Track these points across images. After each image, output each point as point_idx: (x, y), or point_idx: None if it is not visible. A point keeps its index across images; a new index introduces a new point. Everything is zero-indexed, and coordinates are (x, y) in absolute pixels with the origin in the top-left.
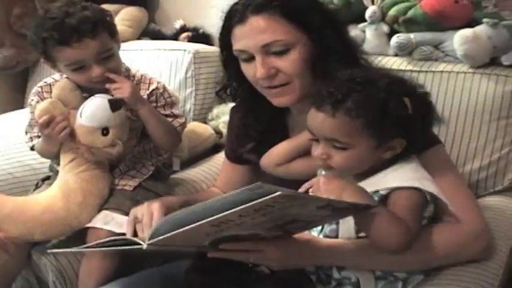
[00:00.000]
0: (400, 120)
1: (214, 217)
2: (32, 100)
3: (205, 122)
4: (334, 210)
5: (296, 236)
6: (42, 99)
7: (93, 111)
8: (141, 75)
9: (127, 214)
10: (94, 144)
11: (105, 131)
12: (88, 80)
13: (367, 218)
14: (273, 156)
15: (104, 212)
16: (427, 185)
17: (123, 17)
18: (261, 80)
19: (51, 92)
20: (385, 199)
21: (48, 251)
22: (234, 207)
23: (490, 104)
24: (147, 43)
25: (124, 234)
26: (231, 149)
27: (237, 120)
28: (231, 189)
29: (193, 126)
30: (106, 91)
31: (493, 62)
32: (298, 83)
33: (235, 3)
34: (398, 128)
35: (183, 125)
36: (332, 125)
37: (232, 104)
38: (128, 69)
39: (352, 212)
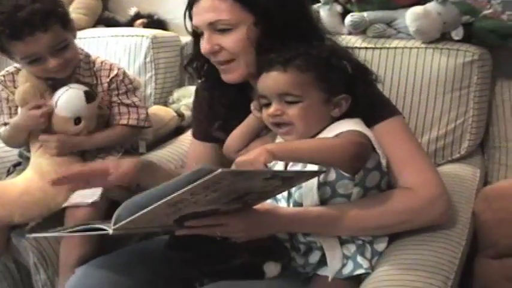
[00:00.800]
0: (344, 76)
1: (168, 198)
2: None
3: (166, 106)
4: (284, 180)
5: (257, 206)
6: (6, 88)
7: (68, 101)
8: (101, 62)
9: None
10: (66, 132)
11: (77, 121)
12: (45, 71)
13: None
14: (231, 143)
15: (77, 192)
16: (367, 133)
17: (78, 6)
18: (206, 55)
19: (14, 80)
20: None
21: (27, 235)
22: (184, 188)
23: (443, 77)
24: (104, 30)
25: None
26: (198, 128)
27: (204, 98)
28: None
29: (155, 109)
30: (67, 79)
31: (444, 37)
32: (242, 60)
33: None
34: (342, 83)
35: (145, 117)
36: (284, 79)
37: (192, 87)
38: (87, 56)
39: (303, 179)
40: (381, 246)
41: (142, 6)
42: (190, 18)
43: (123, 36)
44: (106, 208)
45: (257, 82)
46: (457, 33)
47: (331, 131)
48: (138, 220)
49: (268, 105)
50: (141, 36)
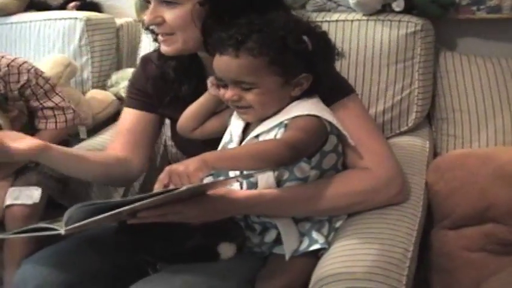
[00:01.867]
0: (302, 55)
1: (124, 208)
2: None
3: (104, 89)
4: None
5: (211, 192)
6: None
7: None
8: (8, 65)
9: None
10: None
11: None
12: None
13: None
14: (185, 121)
15: (11, 189)
16: (327, 115)
17: None
18: (148, 24)
19: None
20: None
21: None
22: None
23: (386, 48)
24: (36, 14)
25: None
26: (136, 97)
27: (153, 70)
28: (138, 135)
29: (94, 93)
30: None
31: (385, 9)
32: (180, 36)
33: None
34: (301, 63)
35: (73, 116)
36: (237, 66)
37: (130, 69)
38: None
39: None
40: (338, 223)
41: None
42: None
43: (55, 19)
44: (43, 205)
45: (212, 61)
46: (398, 5)
47: (288, 113)
48: (92, 222)
49: (225, 86)
50: (74, 19)
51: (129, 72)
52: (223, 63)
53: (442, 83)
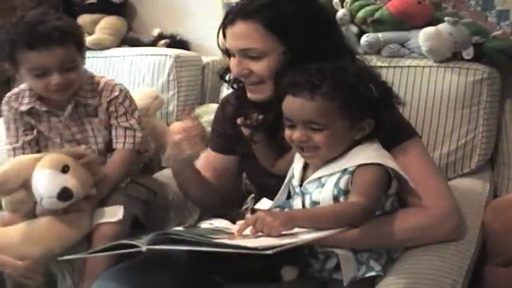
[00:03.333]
0: (369, 102)
1: (210, 249)
2: (3, 110)
3: None
4: None
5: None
6: (10, 108)
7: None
8: (105, 82)
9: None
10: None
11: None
12: (46, 88)
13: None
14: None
15: (97, 210)
16: (389, 162)
17: (104, 26)
18: (235, 76)
19: (17, 101)
20: (352, 174)
21: (59, 258)
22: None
23: (454, 94)
24: (129, 49)
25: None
26: (216, 139)
27: (231, 110)
28: (215, 178)
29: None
30: (68, 100)
31: (455, 57)
32: (269, 84)
33: (234, 5)
34: (368, 109)
35: (141, 140)
36: (311, 108)
37: (213, 105)
38: (91, 76)
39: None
40: (396, 254)
41: (165, 27)
42: (224, 35)
43: (147, 55)
44: (129, 224)
45: (282, 103)
46: (468, 53)
47: (351, 159)
48: (173, 249)
49: (292, 126)
50: (164, 56)
51: (212, 107)
52: (297, 104)
53: (506, 129)
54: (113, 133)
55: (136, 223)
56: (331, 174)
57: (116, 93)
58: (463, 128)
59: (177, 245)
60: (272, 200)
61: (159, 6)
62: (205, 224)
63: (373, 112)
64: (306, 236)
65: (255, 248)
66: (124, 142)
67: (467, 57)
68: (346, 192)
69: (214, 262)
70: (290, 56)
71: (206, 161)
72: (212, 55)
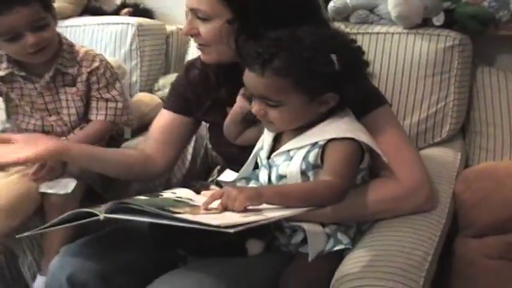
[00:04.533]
0: (328, 76)
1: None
2: None
3: (151, 93)
4: None
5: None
6: None
7: None
8: (85, 52)
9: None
10: None
11: None
12: (23, 50)
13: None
14: (226, 129)
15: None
16: (362, 136)
17: None
18: (184, 34)
19: None
20: (323, 148)
21: (17, 236)
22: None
23: (424, 61)
24: (90, 18)
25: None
26: (177, 102)
27: (195, 75)
28: (169, 135)
29: (141, 96)
30: (48, 67)
31: (425, 23)
32: (213, 48)
33: None
34: (327, 83)
35: (123, 111)
36: (262, 84)
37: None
38: (71, 45)
39: None
40: (365, 226)
41: None
42: None
43: (108, 24)
44: (82, 192)
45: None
46: (438, 19)
47: (322, 133)
48: (132, 220)
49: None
50: (126, 24)
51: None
52: (249, 78)
53: (477, 97)
54: (93, 105)
55: (97, 195)
56: (300, 148)
57: (97, 64)
58: (433, 96)
59: (137, 216)
60: (238, 171)
61: None
62: (167, 193)
63: (335, 85)
64: (272, 213)
65: (217, 226)
66: (106, 114)
67: (437, 24)
68: (314, 167)
69: (178, 235)
70: (238, 26)
71: (156, 122)
72: (177, 23)
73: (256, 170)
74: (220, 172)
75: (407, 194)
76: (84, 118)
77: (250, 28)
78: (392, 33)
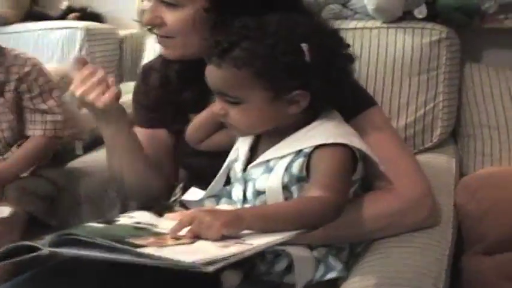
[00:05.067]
0: (295, 67)
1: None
2: None
3: None
4: None
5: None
6: None
7: None
8: (15, 56)
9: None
10: None
11: None
12: None
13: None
14: (193, 131)
15: None
16: (355, 141)
17: None
18: (146, 24)
19: None
20: (309, 157)
21: None
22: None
23: (408, 58)
24: (34, 24)
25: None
26: (145, 115)
27: (156, 79)
28: (155, 155)
29: None
30: None
31: (406, 16)
32: (180, 41)
33: None
34: (294, 77)
35: (64, 123)
36: (220, 77)
37: (132, 83)
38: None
39: None
40: (359, 247)
41: None
42: None
43: (54, 29)
44: (23, 222)
45: None
46: (421, 11)
47: (306, 138)
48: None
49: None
50: (74, 28)
51: (130, 86)
52: (208, 73)
53: (467, 96)
54: (28, 117)
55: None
56: (282, 157)
57: (28, 69)
58: (421, 96)
59: (89, 250)
60: (205, 189)
61: None
62: (124, 218)
63: (305, 80)
64: (256, 240)
65: (192, 264)
66: (44, 129)
67: (420, 16)
68: (299, 179)
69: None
70: (214, 15)
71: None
72: (130, 28)
73: (228, 186)
74: (184, 190)
75: (408, 208)
76: (21, 133)
77: (228, 17)
78: (371, 28)
